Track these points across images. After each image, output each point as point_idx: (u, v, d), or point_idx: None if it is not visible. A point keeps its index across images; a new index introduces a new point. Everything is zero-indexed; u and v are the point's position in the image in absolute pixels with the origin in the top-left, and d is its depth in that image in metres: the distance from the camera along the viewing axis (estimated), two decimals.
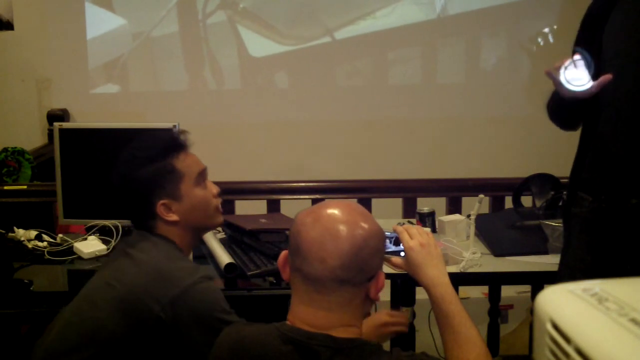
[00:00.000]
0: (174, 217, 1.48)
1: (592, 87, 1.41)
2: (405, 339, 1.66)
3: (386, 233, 1.38)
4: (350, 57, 3.79)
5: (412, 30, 3.69)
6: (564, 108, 1.56)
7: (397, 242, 1.36)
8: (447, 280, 1.27)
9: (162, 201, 1.47)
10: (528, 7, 3.71)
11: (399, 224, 2.14)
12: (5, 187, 2.73)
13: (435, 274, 1.27)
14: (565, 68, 1.41)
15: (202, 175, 1.54)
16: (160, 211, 1.47)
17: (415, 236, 1.32)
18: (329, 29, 3.70)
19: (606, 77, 1.40)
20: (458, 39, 3.79)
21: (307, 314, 1.10)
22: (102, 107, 3.69)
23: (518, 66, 3.87)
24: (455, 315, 1.21)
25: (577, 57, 1.41)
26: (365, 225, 1.10)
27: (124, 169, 1.48)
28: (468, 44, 3.82)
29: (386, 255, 1.38)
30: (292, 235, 1.12)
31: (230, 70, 3.80)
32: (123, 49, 3.72)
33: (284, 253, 1.15)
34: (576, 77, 1.41)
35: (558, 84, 1.45)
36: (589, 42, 1.55)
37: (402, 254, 1.33)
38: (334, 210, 1.11)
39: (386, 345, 1.56)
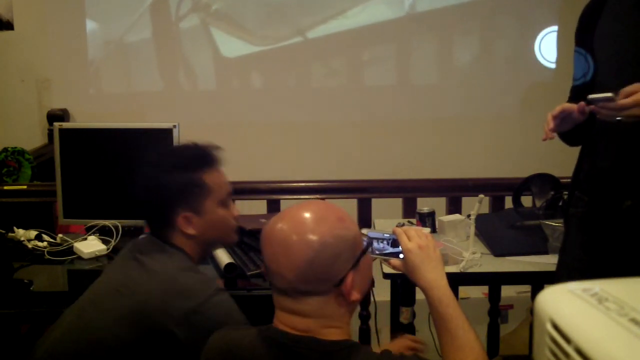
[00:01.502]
0: (191, 231, 1.46)
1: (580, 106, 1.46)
2: None
3: (384, 235, 1.38)
4: (324, 55, 3.83)
5: (384, 28, 3.72)
6: (566, 133, 1.59)
7: (394, 243, 1.36)
8: (445, 283, 1.25)
9: (184, 213, 1.45)
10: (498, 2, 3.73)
11: (399, 224, 2.15)
12: (5, 187, 2.73)
13: (433, 276, 1.25)
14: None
15: (228, 196, 1.52)
16: (180, 222, 1.45)
17: (413, 238, 1.30)
18: (301, 28, 3.74)
19: (581, 104, 1.45)
20: (434, 35, 3.81)
21: (287, 319, 1.11)
22: (102, 107, 3.69)
23: (516, 66, 3.86)
24: (452, 319, 1.20)
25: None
26: (314, 237, 1.07)
27: (154, 172, 1.45)
28: (444, 41, 3.84)
29: (385, 257, 1.38)
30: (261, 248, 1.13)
31: (206, 71, 3.83)
32: (96, 53, 3.73)
33: None
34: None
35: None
36: (586, 43, 1.56)
37: (401, 255, 1.33)
38: (288, 221, 1.10)
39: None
